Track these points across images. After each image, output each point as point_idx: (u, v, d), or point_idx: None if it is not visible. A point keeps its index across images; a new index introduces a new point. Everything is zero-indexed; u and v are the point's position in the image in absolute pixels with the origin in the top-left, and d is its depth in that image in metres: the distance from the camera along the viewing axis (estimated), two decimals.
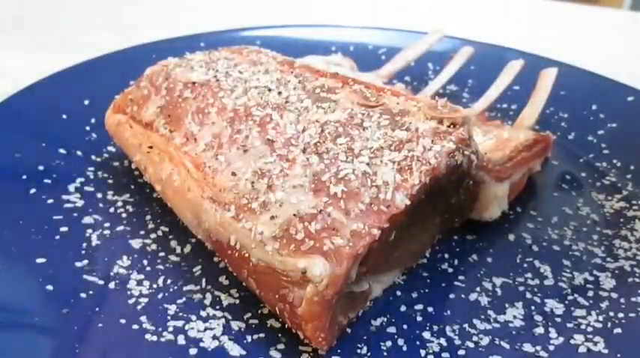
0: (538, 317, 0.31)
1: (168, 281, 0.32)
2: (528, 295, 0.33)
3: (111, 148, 0.41)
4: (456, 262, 0.35)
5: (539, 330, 0.31)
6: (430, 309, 0.31)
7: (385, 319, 0.31)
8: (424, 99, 0.34)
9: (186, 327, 0.29)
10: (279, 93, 0.35)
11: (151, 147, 0.35)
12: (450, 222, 0.36)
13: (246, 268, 0.29)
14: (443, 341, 0.30)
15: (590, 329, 0.31)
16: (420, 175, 0.29)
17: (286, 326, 0.29)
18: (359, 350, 0.29)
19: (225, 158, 0.32)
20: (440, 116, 0.31)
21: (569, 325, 0.31)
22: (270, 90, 0.35)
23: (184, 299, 0.31)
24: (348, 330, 0.30)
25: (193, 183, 0.32)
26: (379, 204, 0.28)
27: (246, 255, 0.29)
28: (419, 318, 0.31)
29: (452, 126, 0.31)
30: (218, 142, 0.33)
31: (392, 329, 0.30)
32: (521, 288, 0.33)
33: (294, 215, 0.28)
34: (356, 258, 0.27)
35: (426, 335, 0.30)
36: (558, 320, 0.31)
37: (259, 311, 0.31)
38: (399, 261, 0.33)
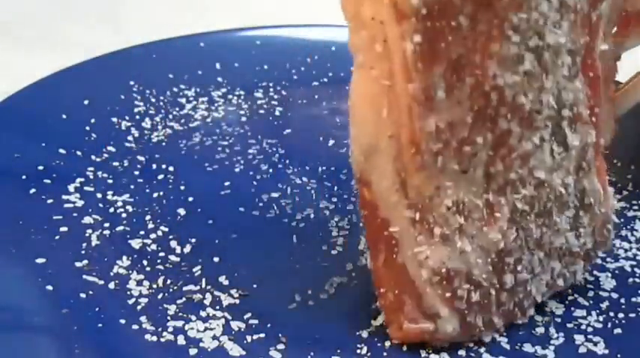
0: (538, 317, 0.31)
1: (168, 281, 0.32)
2: None
3: (111, 148, 0.41)
4: None
5: (540, 330, 0.31)
6: None
7: (385, 319, 0.31)
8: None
9: (186, 327, 0.29)
10: (538, 101, 0.27)
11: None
12: None
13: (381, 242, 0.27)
14: None
15: (590, 329, 0.31)
16: None
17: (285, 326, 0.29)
18: (359, 351, 0.29)
19: (443, 155, 0.26)
20: None
21: (569, 325, 0.31)
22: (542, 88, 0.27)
23: (184, 299, 0.31)
24: (348, 330, 0.30)
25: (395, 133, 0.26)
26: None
27: (396, 256, 0.27)
28: None
29: None
30: (453, 133, 0.26)
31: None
32: None
33: (466, 273, 0.27)
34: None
35: None
36: (558, 320, 0.31)
37: (259, 311, 0.31)
38: None
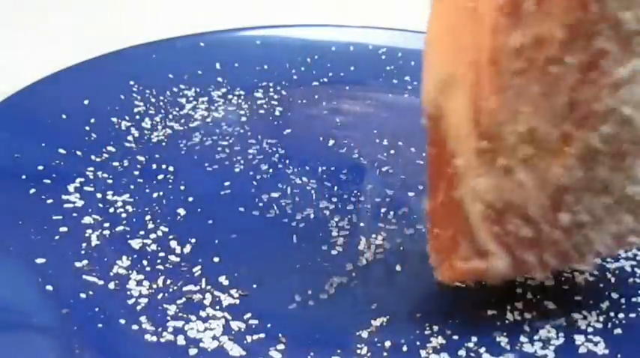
0: (538, 317, 0.31)
1: (168, 282, 0.32)
2: (529, 295, 0.33)
3: (111, 148, 0.41)
4: None
5: (540, 330, 0.31)
6: (430, 309, 0.31)
7: (385, 319, 0.31)
8: None
9: (186, 327, 0.29)
10: None
11: None
12: None
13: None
14: (443, 340, 0.30)
15: (590, 329, 0.31)
16: None
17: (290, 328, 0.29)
18: (359, 351, 0.29)
19: (525, 75, 0.24)
20: None
21: (569, 325, 0.31)
22: None
23: (184, 299, 0.31)
24: (348, 330, 0.30)
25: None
26: None
27: (454, 191, 0.26)
28: (419, 317, 0.31)
29: None
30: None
31: (392, 329, 0.30)
32: (521, 288, 0.33)
33: (519, 207, 0.26)
34: None
35: (427, 334, 0.30)
36: (558, 320, 0.31)
37: (259, 311, 0.31)
38: None
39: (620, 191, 0.26)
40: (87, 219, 0.35)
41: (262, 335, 0.29)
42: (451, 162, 0.26)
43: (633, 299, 0.32)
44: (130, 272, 0.32)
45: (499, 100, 0.24)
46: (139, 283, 0.32)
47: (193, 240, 0.35)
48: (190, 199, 0.38)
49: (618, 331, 0.31)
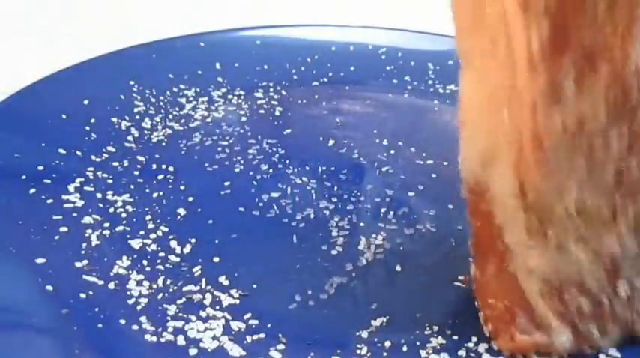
0: None
1: (168, 282, 0.32)
2: None
3: (111, 148, 0.41)
4: None
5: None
6: (430, 309, 0.31)
7: (385, 319, 0.31)
8: None
9: (186, 327, 0.29)
10: None
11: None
12: None
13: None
14: (443, 340, 0.30)
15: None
16: None
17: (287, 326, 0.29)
18: (359, 351, 0.29)
19: (570, 150, 0.24)
20: None
21: None
22: None
23: (184, 299, 0.31)
24: (348, 330, 0.30)
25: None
26: None
27: (507, 265, 0.27)
28: (419, 317, 0.31)
29: None
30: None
31: (392, 329, 0.30)
32: None
33: (578, 282, 0.26)
34: None
35: (427, 334, 0.30)
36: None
37: (259, 311, 0.31)
38: None
39: None
40: (87, 219, 0.35)
41: (262, 335, 0.29)
42: (501, 237, 0.26)
43: None
44: (130, 272, 0.32)
45: (544, 176, 0.24)
46: (139, 283, 0.32)
47: (193, 240, 0.35)
48: (190, 199, 0.38)
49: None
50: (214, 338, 0.29)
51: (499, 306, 0.27)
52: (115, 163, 0.41)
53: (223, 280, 0.32)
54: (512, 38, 0.23)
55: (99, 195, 0.38)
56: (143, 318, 0.30)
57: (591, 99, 0.23)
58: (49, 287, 0.31)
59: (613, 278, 0.26)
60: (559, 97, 0.23)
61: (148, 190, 0.38)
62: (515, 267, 0.26)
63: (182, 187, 0.39)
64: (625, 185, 0.25)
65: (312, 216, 0.37)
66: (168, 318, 0.30)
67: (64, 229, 0.34)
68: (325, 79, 0.52)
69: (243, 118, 0.47)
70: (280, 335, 0.30)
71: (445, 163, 0.42)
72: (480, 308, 0.29)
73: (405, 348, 0.29)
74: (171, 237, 0.35)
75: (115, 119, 0.44)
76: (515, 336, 0.27)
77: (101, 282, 0.32)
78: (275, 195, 0.39)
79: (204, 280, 0.32)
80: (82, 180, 0.38)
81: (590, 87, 0.23)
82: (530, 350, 0.28)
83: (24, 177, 0.37)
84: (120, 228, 0.35)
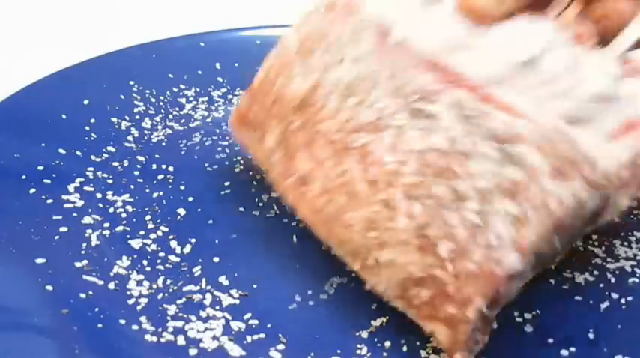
0: (538, 318, 0.31)
1: (168, 282, 0.32)
2: (528, 296, 0.33)
3: (111, 148, 0.41)
4: None
5: (539, 331, 0.31)
6: None
7: (385, 319, 0.31)
8: (539, 115, 0.27)
9: (186, 328, 0.29)
10: (370, 105, 0.29)
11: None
12: (583, 232, 0.32)
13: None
14: None
15: (590, 329, 0.31)
16: (538, 229, 0.25)
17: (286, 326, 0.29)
18: (359, 351, 0.29)
19: (337, 206, 0.29)
20: (562, 153, 0.25)
21: (569, 325, 0.31)
22: (362, 100, 0.29)
23: (184, 299, 0.31)
24: (348, 330, 0.30)
25: (315, 225, 0.31)
26: (490, 264, 0.25)
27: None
28: None
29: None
30: (330, 186, 0.29)
31: (392, 329, 0.30)
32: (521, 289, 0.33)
33: (406, 278, 0.27)
34: (473, 322, 0.26)
35: (427, 334, 0.30)
36: (558, 320, 0.31)
37: (259, 311, 0.31)
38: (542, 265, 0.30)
39: None
40: (87, 219, 0.36)
41: (262, 335, 0.30)
42: None
43: (633, 299, 0.32)
44: (130, 272, 0.32)
45: None
46: (139, 283, 0.32)
47: (193, 240, 0.35)
48: (190, 199, 0.38)
49: (618, 331, 0.31)
50: (214, 338, 0.29)
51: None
52: (115, 163, 0.41)
53: (223, 280, 0.32)
54: None
55: (99, 195, 0.38)
56: (143, 318, 0.30)
57: None
58: (49, 287, 0.31)
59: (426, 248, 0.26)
60: None
61: (148, 190, 0.38)
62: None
63: (182, 187, 0.39)
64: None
65: None
66: (168, 318, 0.30)
67: (64, 229, 0.34)
68: None
69: None
70: (280, 335, 0.30)
71: None
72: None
73: (405, 348, 0.29)
74: (171, 237, 0.35)
75: (115, 119, 0.44)
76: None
77: (101, 282, 0.32)
78: (275, 195, 0.39)
79: (204, 280, 0.32)
80: (82, 180, 0.38)
81: None
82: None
83: (24, 177, 0.37)
84: (120, 228, 0.35)
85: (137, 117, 0.45)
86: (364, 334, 0.30)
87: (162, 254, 0.34)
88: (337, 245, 0.30)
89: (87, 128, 0.43)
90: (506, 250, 0.25)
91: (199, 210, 0.37)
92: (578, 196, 0.25)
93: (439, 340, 0.27)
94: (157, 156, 0.42)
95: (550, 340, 0.30)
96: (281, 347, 0.29)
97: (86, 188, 0.38)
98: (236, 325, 0.30)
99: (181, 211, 0.37)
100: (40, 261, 0.32)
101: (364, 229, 0.28)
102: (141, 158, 0.41)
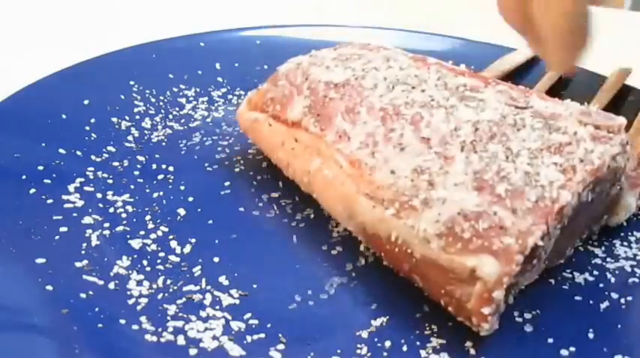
0: (538, 318, 0.31)
1: (168, 282, 0.32)
2: (528, 296, 0.33)
3: (111, 148, 0.41)
4: None
5: (538, 331, 0.31)
6: (430, 309, 0.31)
7: (385, 319, 0.31)
8: (572, 104, 0.34)
9: (186, 327, 0.29)
10: (423, 90, 0.35)
11: (296, 141, 0.36)
12: (591, 227, 0.36)
13: (409, 263, 0.30)
14: (443, 340, 0.30)
15: (590, 329, 0.31)
16: (584, 174, 0.29)
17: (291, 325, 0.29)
18: (359, 351, 0.29)
19: (382, 156, 0.32)
20: (596, 123, 0.32)
21: (569, 325, 0.31)
22: (413, 87, 0.35)
23: (184, 299, 0.31)
24: (348, 330, 0.30)
25: (347, 179, 0.33)
26: (545, 201, 0.28)
27: (409, 250, 0.30)
28: (419, 317, 0.31)
29: (609, 133, 0.32)
30: (373, 140, 0.33)
31: (392, 329, 0.30)
32: (521, 289, 0.33)
33: (459, 213, 0.29)
34: (525, 255, 0.27)
35: (427, 334, 0.30)
36: (558, 321, 0.31)
37: (259, 311, 0.31)
38: (548, 258, 0.32)
39: None
40: (87, 219, 0.36)
41: (262, 335, 0.29)
42: None
43: (633, 299, 0.32)
44: (130, 272, 0.32)
45: None
46: (139, 283, 0.32)
47: (193, 240, 0.35)
48: (190, 199, 0.38)
49: (618, 331, 0.31)
50: (214, 338, 0.29)
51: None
52: (115, 163, 0.41)
53: (223, 280, 0.32)
54: None
55: (99, 195, 0.38)
56: (143, 318, 0.30)
57: None
58: (49, 287, 0.31)
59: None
60: None
61: (148, 190, 0.38)
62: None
63: (182, 187, 0.39)
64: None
65: (312, 216, 0.37)
66: (168, 318, 0.30)
67: (64, 229, 0.34)
68: None
69: None
70: (280, 335, 0.30)
71: None
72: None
73: (405, 348, 0.29)
74: (171, 237, 0.35)
75: (115, 119, 0.44)
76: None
77: (101, 282, 0.32)
78: (275, 195, 0.39)
79: (204, 280, 0.32)
80: (82, 180, 0.38)
81: None
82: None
83: (24, 177, 0.37)
84: (120, 228, 0.35)
85: (137, 117, 0.45)
86: (364, 334, 0.30)
87: (162, 254, 0.34)
88: (374, 191, 0.32)
89: (87, 128, 0.43)
90: (559, 189, 0.28)
91: (199, 210, 0.37)
92: (611, 153, 0.30)
93: (482, 274, 0.27)
94: (157, 156, 0.42)
95: (550, 340, 0.30)
96: (281, 347, 0.29)
97: (86, 188, 0.38)
98: (236, 325, 0.30)
99: (181, 211, 0.37)
100: (40, 260, 0.32)
101: (413, 173, 0.31)
102: (141, 158, 0.41)
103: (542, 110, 0.33)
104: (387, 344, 0.29)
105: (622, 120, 0.32)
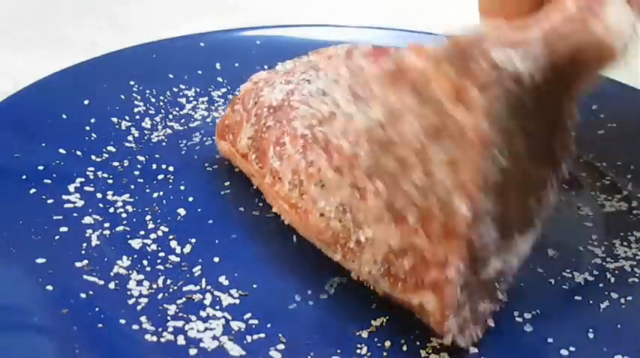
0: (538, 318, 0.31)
1: (168, 282, 0.32)
2: (528, 295, 0.33)
3: (111, 148, 0.41)
4: None
5: (538, 332, 0.31)
6: None
7: (385, 319, 0.31)
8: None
9: (186, 327, 0.29)
10: (328, 102, 0.33)
11: (253, 176, 0.36)
12: (554, 166, 0.30)
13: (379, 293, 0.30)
14: (443, 340, 0.30)
15: (590, 329, 0.31)
16: (470, 164, 0.24)
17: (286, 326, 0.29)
18: (359, 350, 0.29)
19: (309, 197, 0.31)
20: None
21: (569, 325, 0.31)
22: (324, 94, 0.34)
23: (184, 299, 0.31)
24: (348, 330, 0.30)
25: (297, 223, 0.33)
26: (450, 219, 0.25)
27: (372, 287, 0.30)
28: (419, 317, 0.31)
29: None
30: (298, 179, 0.32)
31: (392, 329, 0.30)
32: (521, 289, 0.33)
33: (389, 252, 0.28)
34: (454, 282, 0.26)
35: (427, 334, 0.30)
36: (558, 321, 0.31)
37: (259, 311, 0.31)
38: (519, 225, 0.29)
39: None
40: (87, 219, 0.35)
41: (262, 335, 0.29)
42: None
43: (633, 299, 0.32)
44: (130, 272, 0.32)
45: None
46: (139, 283, 0.32)
47: (193, 240, 0.35)
48: (190, 199, 0.38)
49: (618, 331, 0.31)
50: (214, 338, 0.29)
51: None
52: (115, 163, 0.41)
53: (223, 280, 0.32)
54: None
55: (99, 195, 0.38)
56: (143, 318, 0.30)
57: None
58: (49, 287, 0.31)
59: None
60: None
61: (148, 190, 0.38)
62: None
63: (182, 187, 0.39)
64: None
65: None
66: (168, 318, 0.30)
67: (64, 229, 0.34)
68: None
69: None
70: (280, 335, 0.30)
71: None
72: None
73: (405, 348, 0.29)
74: (171, 237, 0.35)
75: (115, 119, 0.44)
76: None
77: (101, 282, 0.32)
78: None
79: (204, 280, 0.32)
80: (82, 180, 0.38)
81: None
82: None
83: (24, 177, 0.37)
84: (120, 228, 0.35)
85: (137, 117, 0.45)
86: (364, 334, 0.30)
87: (162, 254, 0.34)
88: (317, 236, 0.31)
89: (87, 128, 0.43)
90: (455, 199, 0.25)
91: (199, 210, 0.37)
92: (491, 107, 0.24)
93: (429, 310, 0.27)
94: (157, 156, 0.42)
95: (550, 340, 0.30)
96: (281, 347, 0.29)
97: (86, 188, 0.38)
98: (236, 325, 0.30)
99: (181, 211, 0.37)
100: (40, 260, 0.32)
101: (338, 212, 0.30)
102: (141, 158, 0.41)
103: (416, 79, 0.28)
104: (387, 344, 0.29)
105: None
